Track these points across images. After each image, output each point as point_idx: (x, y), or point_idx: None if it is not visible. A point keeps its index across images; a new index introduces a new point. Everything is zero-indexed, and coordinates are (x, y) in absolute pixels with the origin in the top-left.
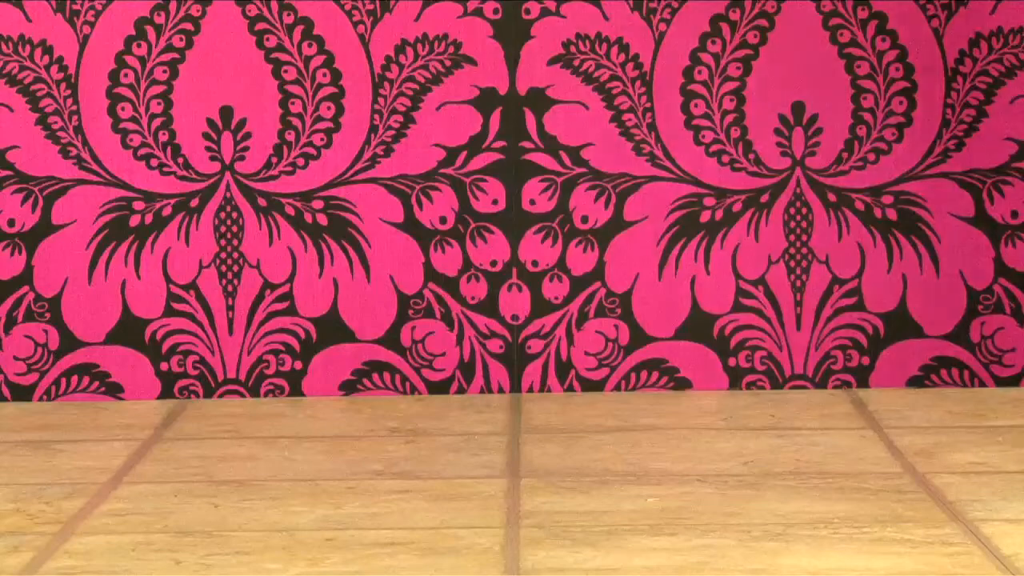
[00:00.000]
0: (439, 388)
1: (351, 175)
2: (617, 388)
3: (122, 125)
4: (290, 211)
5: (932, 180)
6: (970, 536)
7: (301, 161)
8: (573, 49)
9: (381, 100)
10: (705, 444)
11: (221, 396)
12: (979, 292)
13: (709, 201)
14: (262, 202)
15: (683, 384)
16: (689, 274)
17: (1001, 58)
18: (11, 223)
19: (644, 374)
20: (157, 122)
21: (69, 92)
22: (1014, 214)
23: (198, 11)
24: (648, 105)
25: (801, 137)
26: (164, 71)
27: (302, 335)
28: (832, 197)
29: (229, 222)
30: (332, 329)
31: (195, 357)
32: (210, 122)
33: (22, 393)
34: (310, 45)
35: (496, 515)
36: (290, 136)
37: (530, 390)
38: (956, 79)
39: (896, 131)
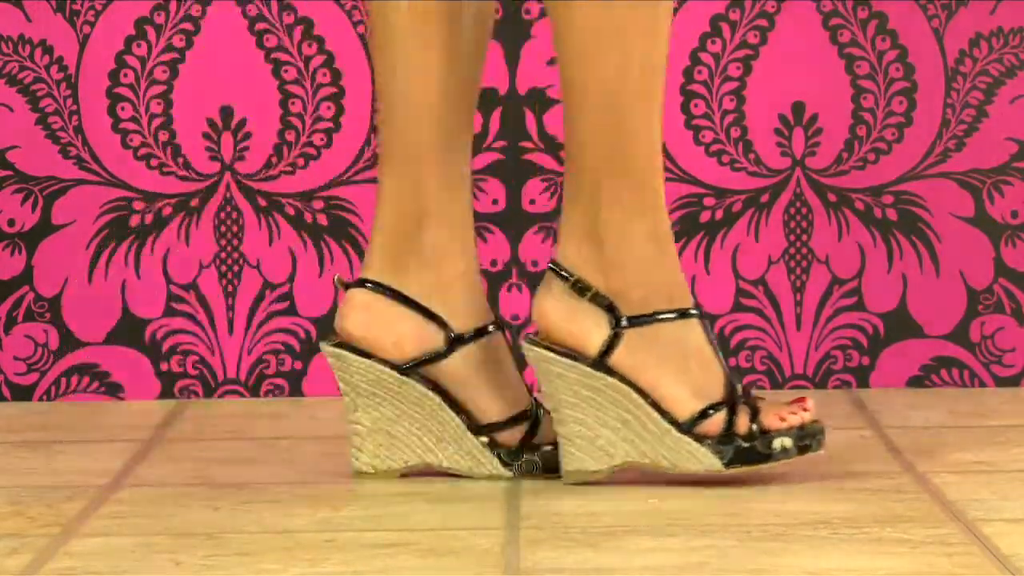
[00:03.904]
0: None
1: (351, 175)
2: None
3: (122, 125)
4: (290, 211)
5: (932, 180)
6: (970, 536)
7: (301, 161)
8: None
9: None
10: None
11: (221, 396)
12: (979, 292)
13: (709, 201)
14: (262, 202)
15: None
16: (689, 274)
17: (1001, 58)
18: (11, 223)
19: None
20: (157, 122)
21: (69, 92)
22: (1014, 214)
23: (198, 11)
24: None
25: (801, 137)
26: (164, 71)
27: (302, 335)
28: (832, 197)
29: (229, 222)
30: (332, 329)
31: (195, 357)
32: (210, 122)
33: (22, 393)
34: (310, 45)
35: (496, 516)
36: (290, 136)
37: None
38: (956, 79)
39: (896, 131)
